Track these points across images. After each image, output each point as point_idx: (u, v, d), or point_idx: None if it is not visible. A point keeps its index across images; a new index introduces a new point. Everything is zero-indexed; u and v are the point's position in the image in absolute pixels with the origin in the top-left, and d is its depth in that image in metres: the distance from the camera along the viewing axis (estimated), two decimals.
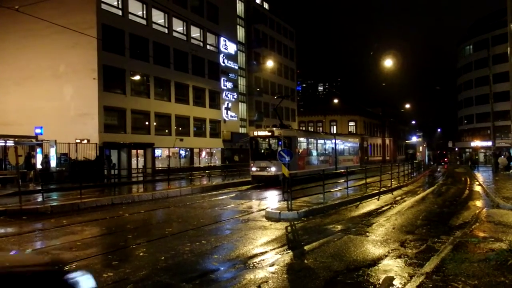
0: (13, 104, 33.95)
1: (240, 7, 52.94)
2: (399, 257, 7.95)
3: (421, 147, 69.94)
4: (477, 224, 11.49)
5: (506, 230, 10.34)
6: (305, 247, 8.87)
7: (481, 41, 72.35)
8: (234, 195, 20.02)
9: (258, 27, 56.14)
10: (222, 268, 7.36)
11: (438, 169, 51.20)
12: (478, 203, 16.72)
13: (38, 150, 26.45)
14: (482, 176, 30.87)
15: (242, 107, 52.59)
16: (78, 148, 28.70)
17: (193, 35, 42.23)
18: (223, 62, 46.39)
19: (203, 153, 44.48)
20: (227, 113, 46.82)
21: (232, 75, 48.34)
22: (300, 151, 26.36)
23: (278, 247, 8.85)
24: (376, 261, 7.66)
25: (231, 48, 48.05)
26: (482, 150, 68.00)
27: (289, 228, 11.26)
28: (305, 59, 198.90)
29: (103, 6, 32.01)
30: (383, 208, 14.81)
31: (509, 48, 7.18)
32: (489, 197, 17.81)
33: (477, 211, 14.07)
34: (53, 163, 26.22)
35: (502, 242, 8.79)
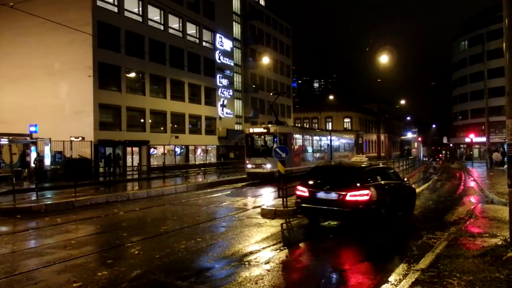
0: (8, 102, 33.72)
1: (236, 4, 52.79)
2: (395, 253, 7.97)
3: (416, 143, 70.16)
4: (472, 219, 11.52)
5: (500, 225, 10.36)
6: (301, 244, 8.88)
7: (476, 36, 72.51)
8: (229, 192, 20.00)
9: (254, 23, 56.03)
10: (217, 266, 7.35)
11: (433, 165, 51.36)
12: (473, 198, 16.79)
13: (33, 148, 26.31)
14: (476, 172, 31.01)
15: (238, 104, 52.52)
16: (73, 146, 28.57)
17: (189, 31, 42.07)
18: (219, 59, 46.28)
19: (199, 150, 44.42)
20: (222, 110, 46.73)
21: (227, 71, 48.24)
22: (296, 147, 26.35)
23: (274, 244, 8.84)
24: (371, 257, 7.67)
25: (227, 44, 47.92)
26: (477, 146, 68.30)
27: (284, 225, 11.26)
28: (301, 55, 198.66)
29: (99, 3, 31.79)
30: None
31: (504, 44, 7.17)
32: (483, 193, 17.88)
33: (472, 207, 14.12)
34: (47, 161, 26.09)
35: (497, 238, 8.81)
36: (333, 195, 10.05)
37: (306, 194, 10.63)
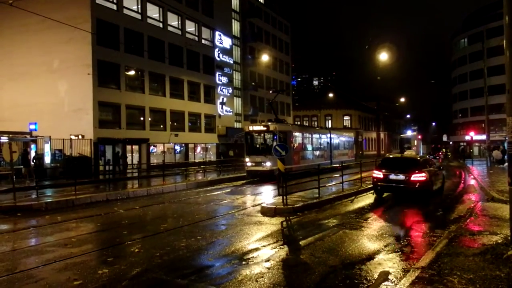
0: (7, 100, 33.69)
1: (235, 1, 52.65)
2: (395, 251, 7.96)
3: (415, 141, 70.20)
4: (472, 217, 11.52)
5: (500, 223, 10.37)
6: (301, 242, 8.87)
7: (476, 34, 72.44)
8: (229, 190, 20.00)
9: (253, 21, 55.90)
10: (217, 264, 7.35)
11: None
12: (473, 196, 16.78)
13: (33, 146, 26.30)
14: (476, 170, 31.00)
15: (237, 101, 52.46)
16: (72, 144, 28.56)
17: (188, 29, 42.01)
18: (218, 57, 46.22)
19: (198, 148, 44.41)
20: (222, 108, 46.70)
21: (227, 69, 48.18)
22: (296, 145, 26.34)
23: (274, 242, 8.85)
24: (371, 255, 7.67)
25: (226, 42, 47.85)
26: (477, 144, 68.30)
27: (284, 223, 11.26)
28: (300, 53, 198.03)
29: (98, 1, 31.69)
30: (378, 203, 14.84)
31: (504, 41, 7.14)
32: (483, 191, 17.86)
33: (472, 205, 14.12)
34: (47, 159, 26.07)
35: (497, 236, 8.81)
36: (401, 177, 14.69)
37: (381, 176, 15.20)
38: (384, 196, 15.83)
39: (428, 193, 14.82)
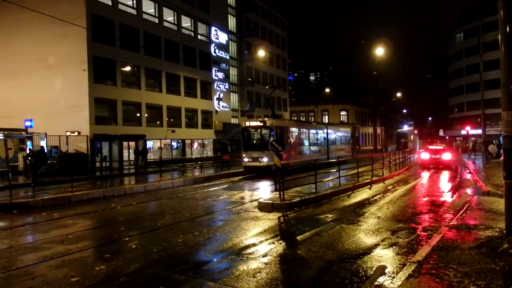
0: (2, 96, 33.48)
1: None
2: (391, 246, 8.00)
3: (412, 136, 70.35)
4: (468, 211, 11.57)
5: (496, 217, 10.41)
6: (298, 237, 8.90)
7: (472, 28, 72.52)
8: (226, 186, 20.02)
9: (249, 16, 55.76)
10: (215, 260, 7.36)
11: None
12: (469, 190, 16.85)
13: (29, 143, 26.17)
14: (472, 164, 31.13)
15: (234, 97, 52.41)
16: (68, 140, 28.48)
17: (184, 25, 41.86)
18: (214, 52, 46.10)
19: (195, 144, 44.37)
20: (218, 104, 46.64)
21: (223, 65, 48.08)
22: (292, 141, 26.36)
23: (271, 238, 8.87)
24: (368, 250, 7.70)
25: (222, 37, 47.73)
26: (473, 138, 68.53)
27: (281, 218, 11.29)
28: (297, 48, 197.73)
29: None
30: (375, 197, 14.89)
31: (500, 35, 7.15)
32: (479, 185, 17.95)
33: (468, 199, 14.18)
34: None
35: (493, 229, 8.85)
36: (438, 156, 28.72)
37: (427, 157, 29.07)
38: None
39: (451, 165, 28.97)
